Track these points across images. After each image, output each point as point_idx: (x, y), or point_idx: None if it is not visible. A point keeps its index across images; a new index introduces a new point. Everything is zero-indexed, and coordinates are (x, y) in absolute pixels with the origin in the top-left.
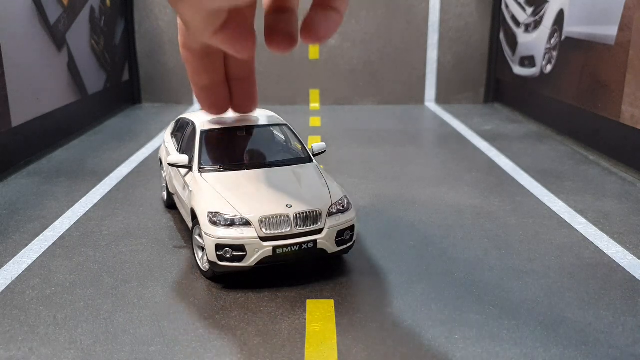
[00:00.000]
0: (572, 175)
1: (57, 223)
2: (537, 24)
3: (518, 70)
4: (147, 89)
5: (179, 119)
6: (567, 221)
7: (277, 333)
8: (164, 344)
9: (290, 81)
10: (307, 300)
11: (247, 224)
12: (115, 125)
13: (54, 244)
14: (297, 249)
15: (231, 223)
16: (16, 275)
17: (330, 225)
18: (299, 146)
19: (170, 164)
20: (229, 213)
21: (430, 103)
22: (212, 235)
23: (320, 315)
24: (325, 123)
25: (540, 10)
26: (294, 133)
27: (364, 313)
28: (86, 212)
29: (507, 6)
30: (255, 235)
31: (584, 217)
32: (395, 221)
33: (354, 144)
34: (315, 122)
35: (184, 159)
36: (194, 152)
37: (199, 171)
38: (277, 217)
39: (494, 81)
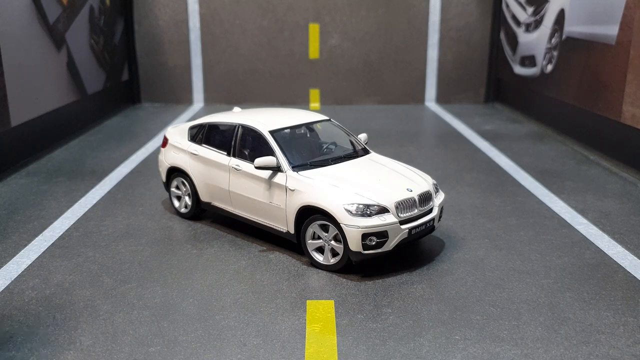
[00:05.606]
0: (573, 175)
1: (57, 223)
2: (537, 23)
3: (518, 69)
4: (146, 89)
5: (203, 125)
6: (568, 221)
7: (277, 333)
8: (163, 344)
9: (290, 81)
10: (307, 301)
11: (385, 210)
12: (115, 125)
13: (53, 244)
14: (423, 227)
15: (375, 211)
16: (16, 276)
17: (437, 204)
18: (352, 138)
19: (258, 167)
20: (367, 202)
21: (431, 103)
22: (358, 225)
23: (320, 315)
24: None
25: (541, 10)
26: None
27: (364, 313)
28: (85, 212)
29: (507, 6)
30: (395, 220)
31: (585, 217)
32: None
33: None
34: None
35: (271, 160)
36: (275, 154)
37: (294, 170)
38: (407, 200)
39: (495, 81)
